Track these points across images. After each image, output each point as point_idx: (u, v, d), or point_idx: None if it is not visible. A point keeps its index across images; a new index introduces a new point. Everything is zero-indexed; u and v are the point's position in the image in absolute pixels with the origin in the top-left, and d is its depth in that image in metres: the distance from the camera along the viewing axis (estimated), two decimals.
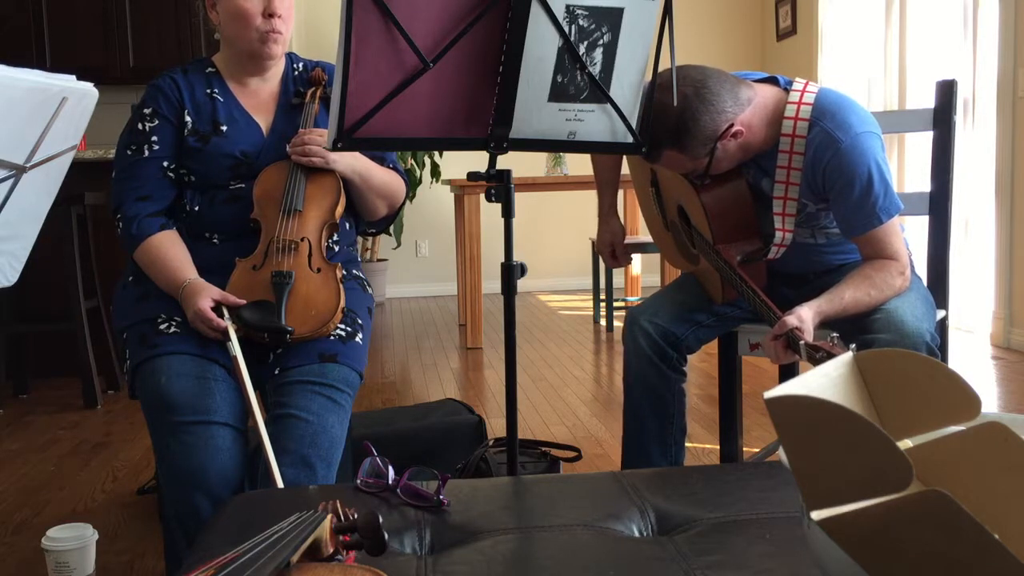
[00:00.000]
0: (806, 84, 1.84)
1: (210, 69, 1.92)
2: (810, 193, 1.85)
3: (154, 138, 1.84)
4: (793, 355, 1.64)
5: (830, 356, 1.47)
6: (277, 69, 1.94)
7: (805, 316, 1.67)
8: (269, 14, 1.80)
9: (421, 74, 1.40)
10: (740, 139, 1.80)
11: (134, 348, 1.75)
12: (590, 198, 2.43)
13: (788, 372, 2.32)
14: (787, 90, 1.85)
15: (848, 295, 1.74)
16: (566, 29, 1.43)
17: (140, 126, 1.86)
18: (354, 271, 1.98)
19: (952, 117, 2.08)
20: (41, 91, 1.22)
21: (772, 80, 1.89)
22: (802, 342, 1.57)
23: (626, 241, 2.32)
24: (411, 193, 6.36)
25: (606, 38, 1.47)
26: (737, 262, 1.89)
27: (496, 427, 3.05)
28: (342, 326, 1.80)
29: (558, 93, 1.48)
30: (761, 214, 1.92)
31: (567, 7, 1.42)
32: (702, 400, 3.45)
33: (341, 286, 1.80)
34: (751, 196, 1.91)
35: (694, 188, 1.90)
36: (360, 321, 1.85)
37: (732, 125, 1.77)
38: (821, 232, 1.94)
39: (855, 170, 1.75)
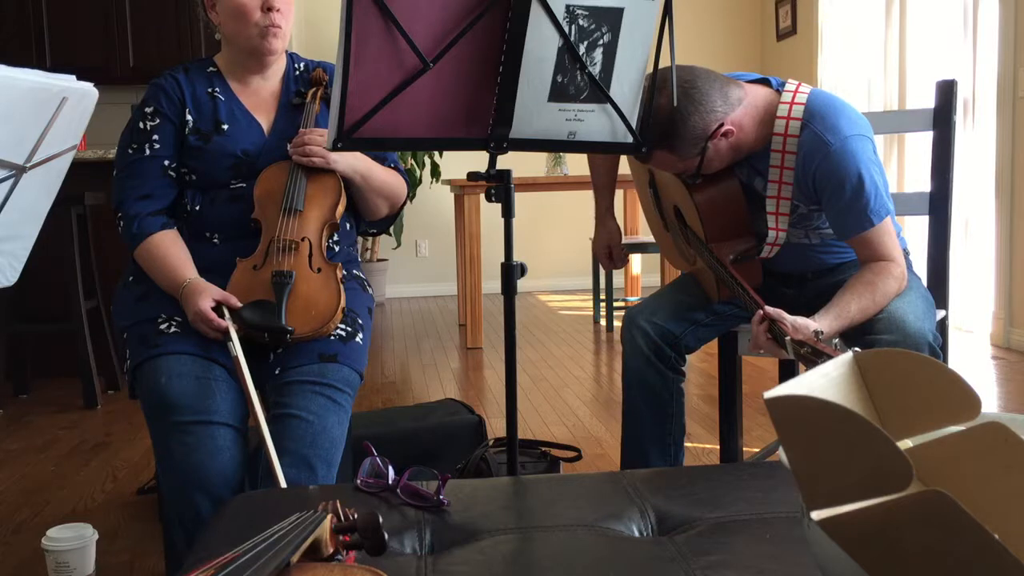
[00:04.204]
0: (798, 85, 1.85)
1: (211, 68, 1.92)
2: (801, 195, 1.85)
3: (155, 137, 1.84)
4: (779, 348, 1.63)
5: (815, 351, 1.47)
6: (278, 68, 1.94)
7: (801, 323, 1.65)
8: (268, 8, 1.80)
9: (421, 74, 1.40)
10: (731, 139, 1.80)
11: (134, 348, 1.75)
12: (590, 198, 2.43)
13: (788, 372, 2.32)
14: (779, 91, 1.85)
15: (855, 307, 1.73)
16: (566, 29, 1.43)
17: (141, 125, 1.86)
18: (354, 271, 1.98)
19: (952, 117, 2.08)
20: (41, 91, 1.22)
21: (764, 81, 1.89)
22: (788, 337, 1.57)
23: (624, 242, 2.32)
24: (411, 193, 6.35)
25: (606, 38, 1.47)
26: (730, 260, 1.89)
27: (496, 427, 3.05)
28: (342, 326, 1.80)
29: (558, 93, 1.48)
30: (755, 213, 1.92)
31: (567, 7, 1.42)
32: (702, 400, 3.45)
33: (341, 286, 1.80)
34: (743, 195, 1.91)
35: (687, 188, 1.91)
36: (360, 321, 1.85)
37: (722, 125, 1.77)
38: (814, 232, 1.94)
39: (844, 173, 1.75)
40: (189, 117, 1.85)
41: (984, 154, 4.48)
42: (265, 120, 1.90)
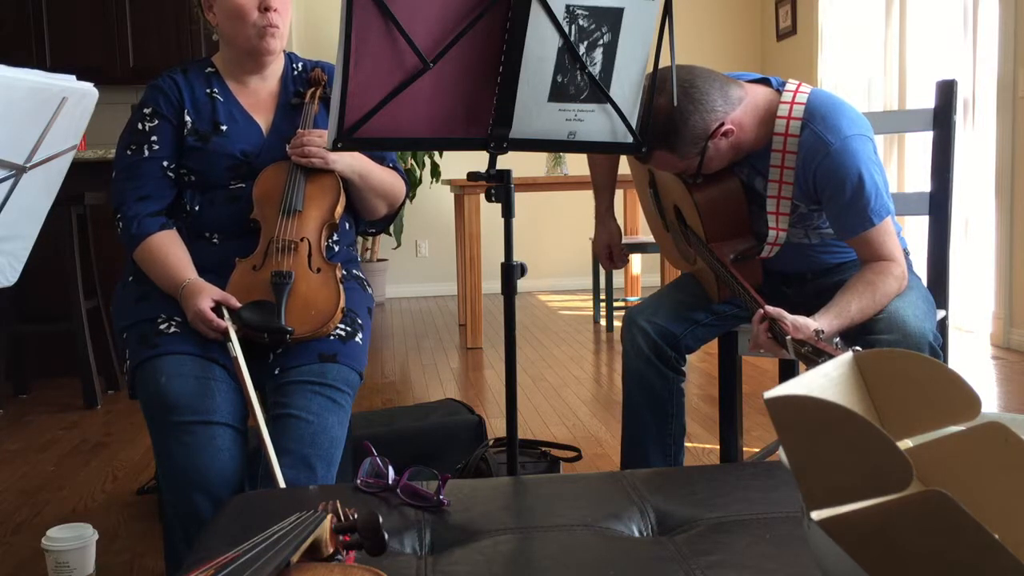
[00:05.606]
0: (799, 85, 1.85)
1: (210, 69, 1.92)
2: (801, 195, 1.85)
3: (154, 138, 1.84)
4: (779, 347, 1.63)
5: (816, 350, 1.47)
6: (276, 68, 1.94)
7: (801, 322, 1.65)
8: (265, 8, 1.80)
9: (421, 74, 1.40)
10: (731, 138, 1.80)
11: (134, 348, 1.75)
12: (590, 198, 2.43)
13: (788, 372, 2.32)
14: (779, 91, 1.85)
15: (855, 306, 1.72)
16: (566, 29, 1.43)
17: (140, 126, 1.86)
18: (354, 271, 1.98)
19: (952, 117, 2.08)
20: (41, 91, 1.22)
21: (764, 81, 1.89)
22: (788, 336, 1.57)
23: (624, 241, 2.32)
24: (411, 193, 6.35)
25: (606, 38, 1.47)
26: (730, 260, 1.89)
27: (496, 427, 3.05)
28: (342, 326, 1.80)
29: (558, 93, 1.48)
30: (755, 213, 1.92)
31: (567, 7, 1.42)
32: (702, 400, 3.45)
33: (341, 286, 1.80)
34: (743, 195, 1.92)
35: (687, 187, 1.91)
36: (360, 321, 1.85)
37: (723, 124, 1.77)
38: (815, 232, 1.94)
39: (845, 173, 1.75)
40: (188, 118, 1.85)
41: (984, 154, 4.48)
42: (264, 120, 1.90)
